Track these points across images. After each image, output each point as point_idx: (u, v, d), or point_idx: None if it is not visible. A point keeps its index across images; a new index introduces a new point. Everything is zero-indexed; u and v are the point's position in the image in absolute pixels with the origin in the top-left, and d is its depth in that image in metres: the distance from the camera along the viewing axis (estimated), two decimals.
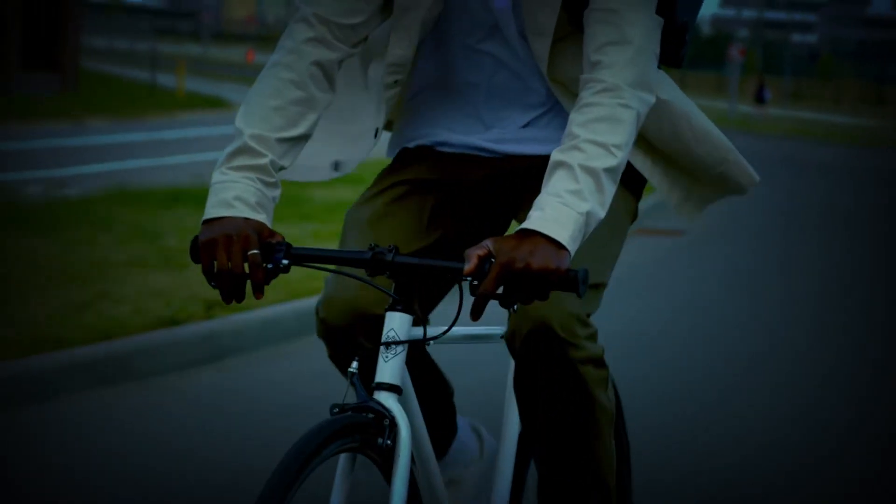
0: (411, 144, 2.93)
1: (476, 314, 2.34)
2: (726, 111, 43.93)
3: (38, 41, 24.06)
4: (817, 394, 6.16)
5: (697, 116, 2.88)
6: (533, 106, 2.82)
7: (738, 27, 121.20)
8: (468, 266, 2.33)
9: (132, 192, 11.04)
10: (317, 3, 2.64)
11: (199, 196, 10.31)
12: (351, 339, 2.76)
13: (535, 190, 2.63)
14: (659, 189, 2.89)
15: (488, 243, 2.34)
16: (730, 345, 7.19)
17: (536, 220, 2.37)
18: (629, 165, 2.80)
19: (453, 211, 2.91)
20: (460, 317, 2.44)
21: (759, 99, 44.87)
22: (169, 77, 31.90)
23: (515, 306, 2.36)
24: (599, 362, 2.70)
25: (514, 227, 2.72)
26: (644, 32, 2.56)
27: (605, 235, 2.67)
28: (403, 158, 2.95)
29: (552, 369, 2.65)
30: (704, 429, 5.33)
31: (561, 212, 2.38)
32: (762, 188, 15.71)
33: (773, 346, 7.27)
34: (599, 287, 2.73)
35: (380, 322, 2.62)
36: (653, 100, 2.57)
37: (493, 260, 2.33)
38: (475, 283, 2.34)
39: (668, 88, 2.83)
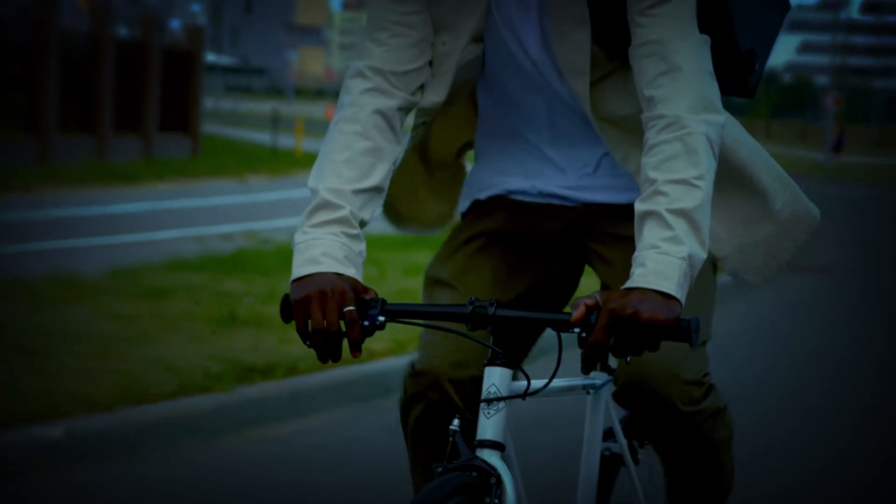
0: (483, 195, 2.86)
1: (588, 367, 2.28)
2: (820, 161, 42.51)
3: (171, 105, 25.18)
4: (819, 398, 6.34)
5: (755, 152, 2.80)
6: (601, 143, 2.73)
7: (816, 74, 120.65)
8: (576, 314, 2.27)
9: None
10: (369, 56, 2.59)
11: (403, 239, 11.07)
12: (446, 399, 2.68)
13: (608, 237, 2.76)
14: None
15: (596, 294, 2.29)
16: (730, 347, 7.29)
17: (639, 277, 2.31)
18: None
19: (532, 261, 2.85)
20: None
21: (836, 146, 44.38)
22: (264, 135, 32.76)
23: (629, 358, 2.30)
24: (719, 411, 2.73)
25: (587, 275, 2.90)
26: (691, 54, 2.47)
27: (692, 292, 2.43)
28: (477, 210, 2.87)
29: (673, 435, 2.70)
30: None
31: (661, 262, 2.31)
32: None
33: (774, 349, 7.56)
34: (704, 342, 2.70)
35: (477, 382, 2.55)
36: (721, 118, 2.47)
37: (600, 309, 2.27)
38: (583, 334, 2.27)
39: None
